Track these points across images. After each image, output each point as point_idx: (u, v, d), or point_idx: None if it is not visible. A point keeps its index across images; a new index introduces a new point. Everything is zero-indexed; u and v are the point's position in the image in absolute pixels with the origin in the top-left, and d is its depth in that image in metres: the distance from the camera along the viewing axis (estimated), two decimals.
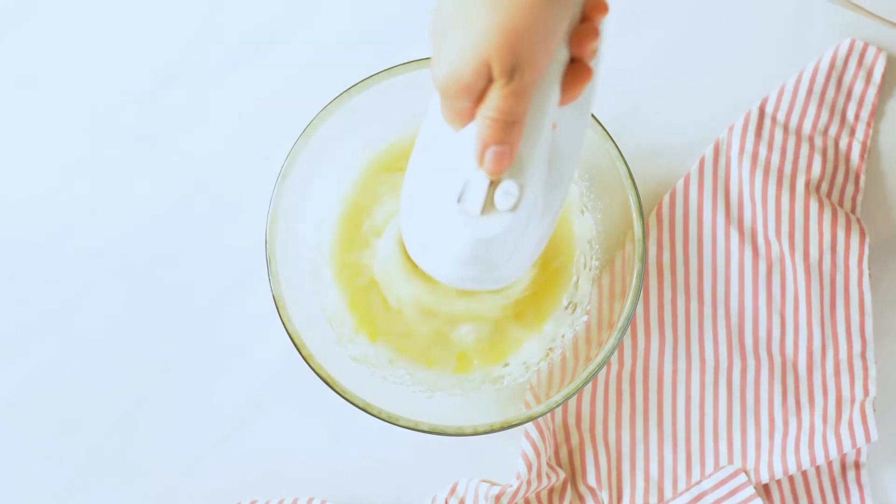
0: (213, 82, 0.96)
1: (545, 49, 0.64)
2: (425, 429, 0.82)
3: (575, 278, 0.91)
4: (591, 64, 0.68)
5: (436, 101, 0.69)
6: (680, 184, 0.93)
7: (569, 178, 0.72)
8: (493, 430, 0.82)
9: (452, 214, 0.68)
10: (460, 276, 0.72)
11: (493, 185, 0.67)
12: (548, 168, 0.69)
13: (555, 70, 0.66)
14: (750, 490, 0.89)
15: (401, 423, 0.82)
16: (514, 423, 0.82)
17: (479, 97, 0.65)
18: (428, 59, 0.84)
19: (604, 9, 0.66)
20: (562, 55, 0.66)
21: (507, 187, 0.67)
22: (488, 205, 0.67)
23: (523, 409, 0.86)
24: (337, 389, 0.82)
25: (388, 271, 0.85)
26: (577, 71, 0.67)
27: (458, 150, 0.67)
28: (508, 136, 0.65)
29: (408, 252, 0.76)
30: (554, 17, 0.63)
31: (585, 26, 0.66)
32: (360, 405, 0.82)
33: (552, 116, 0.67)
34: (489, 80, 0.64)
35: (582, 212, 0.91)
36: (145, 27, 0.96)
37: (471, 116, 0.66)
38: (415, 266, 0.80)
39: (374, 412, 0.82)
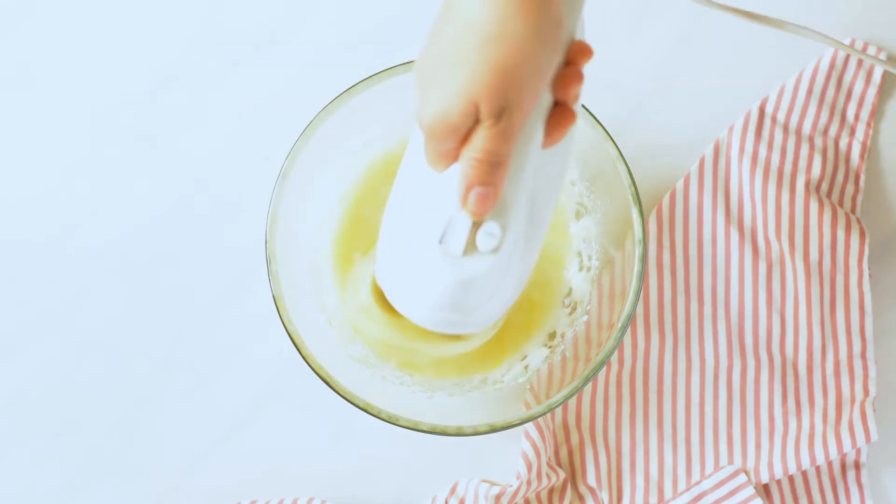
0: (213, 82, 0.96)
1: (534, 91, 0.64)
2: (425, 429, 0.82)
3: (568, 287, 0.91)
4: (574, 107, 0.68)
5: (416, 141, 0.69)
6: (680, 184, 0.93)
7: (548, 219, 0.72)
8: (493, 430, 0.82)
9: (434, 255, 0.67)
10: (437, 319, 0.72)
11: (476, 225, 0.67)
12: (529, 210, 0.69)
13: (539, 113, 0.66)
14: (750, 490, 0.89)
15: (401, 423, 0.82)
16: (514, 423, 0.82)
17: (465, 138, 0.64)
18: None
19: (588, 53, 0.66)
20: (545, 99, 0.66)
21: (490, 228, 0.66)
22: (470, 246, 0.67)
23: (523, 409, 0.86)
24: (337, 389, 0.82)
25: (360, 315, 0.84)
26: (561, 114, 0.67)
27: (440, 190, 0.67)
28: (493, 177, 0.64)
29: (384, 294, 0.75)
30: (544, 58, 0.63)
31: (570, 70, 0.66)
32: (360, 405, 0.82)
33: (535, 158, 0.67)
34: (476, 122, 0.63)
35: (578, 214, 0.91)
36: (145, 27, 0.96)
37: (455, 157, 0.66)
38: (390, 310, 0.79)
39: (374, 412, 0.82)
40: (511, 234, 0.67)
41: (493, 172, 0.64)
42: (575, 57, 0.66)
